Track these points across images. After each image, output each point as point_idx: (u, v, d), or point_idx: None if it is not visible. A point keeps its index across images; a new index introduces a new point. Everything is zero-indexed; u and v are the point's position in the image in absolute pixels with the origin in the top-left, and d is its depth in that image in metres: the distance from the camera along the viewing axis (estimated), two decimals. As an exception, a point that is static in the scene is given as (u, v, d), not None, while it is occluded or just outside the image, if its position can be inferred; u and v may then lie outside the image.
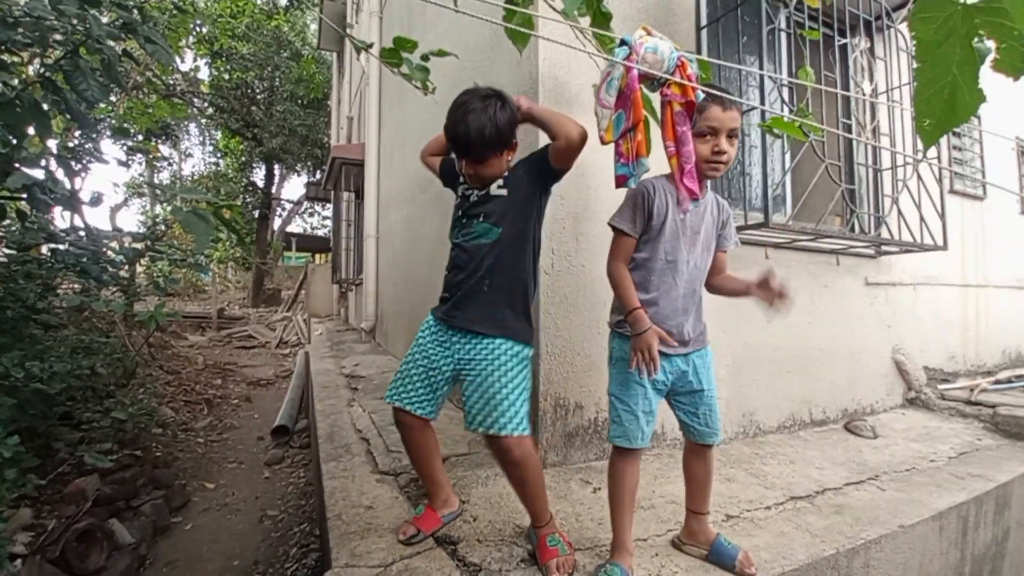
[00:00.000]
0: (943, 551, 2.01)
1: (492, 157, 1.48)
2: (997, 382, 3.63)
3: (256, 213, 18.16)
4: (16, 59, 2.18)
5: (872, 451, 2.63)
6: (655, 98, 1.51)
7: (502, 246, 1.53)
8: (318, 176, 16.25)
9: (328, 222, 20.27)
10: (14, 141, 1.98)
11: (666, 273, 1.49)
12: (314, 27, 15.61)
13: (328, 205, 15.08)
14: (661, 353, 1.43)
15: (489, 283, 1.53)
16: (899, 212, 3.06)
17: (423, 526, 1.62)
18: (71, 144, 2.70)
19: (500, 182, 1.55)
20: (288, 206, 21.60)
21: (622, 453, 1.51)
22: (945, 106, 0.62)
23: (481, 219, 1.54)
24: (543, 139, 2.17)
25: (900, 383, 3.47)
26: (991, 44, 0.64)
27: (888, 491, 2.14)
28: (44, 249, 2.79)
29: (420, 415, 1.58)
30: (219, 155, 19.20)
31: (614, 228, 1.53)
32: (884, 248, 3.24)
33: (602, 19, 1.64)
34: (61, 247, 2.37)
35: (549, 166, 1.55)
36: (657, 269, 1.49)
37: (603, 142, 1.50)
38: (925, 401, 3.43)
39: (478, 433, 1.51)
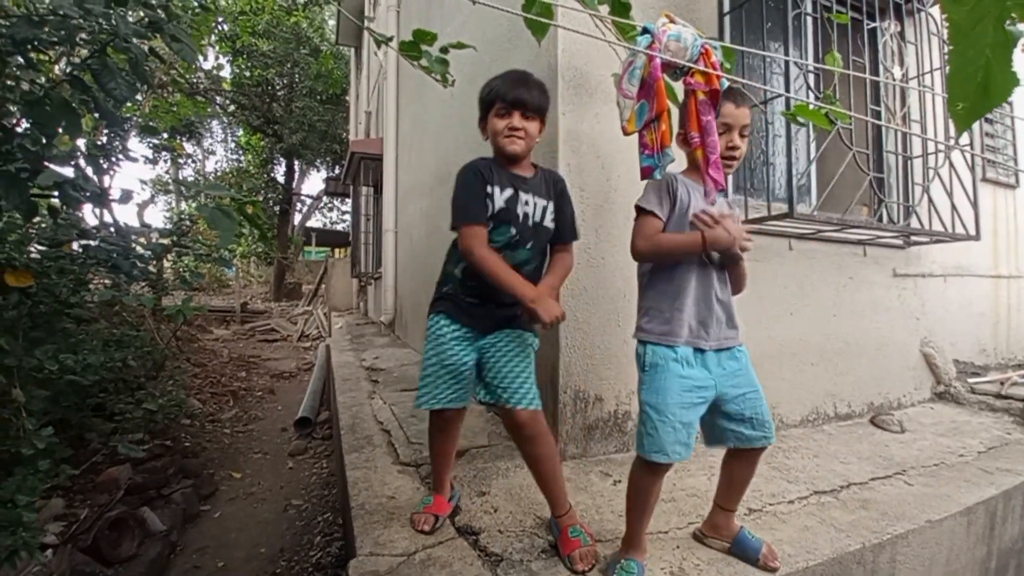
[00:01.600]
0: (970, 546, 1.97)
1: (538, 119, 1.57)
2: (1030, 375, 3.52)
3: (277, 209, 18.42)
4: (44, 58, 2.24)
5: (899, 445, 2.58)
6: (678, 87, 1.49)
7: (536, 269, 1.64)
8: (337, 171, 16.41)
9: (347, 217, 20.45)
10: (44, 140, 2.04)
11: (706, 266, 1.45)
12: (332, 23, 15.70)
13: (347, 200, 15.21)
14: (699, 349, 1.43)
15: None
16: (930, 201, 2.97)
17: (440, 511, 1.67)
18: (100, 143, 2.77)
19: (552, 214, 1.61)
20: (308, 201, 21.88)
21: (651, 467, 1.40)
22: (979, 89, 0.60)
23: (529, 246, 1.59)
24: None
25: (928, 376, 3.39)
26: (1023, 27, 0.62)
27: (915, 486, 2.09)
28: (75, 245, 2.87)
29: (460, 407, 1.62)
30: (241, 152, 19.50)
31: (641, 209, 1.47)
32: (914, 238, 3.15)
33: (621, 8, 1.61)
34: (92, 243, 2.43)
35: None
36: (695, 264, 1.44)
37: (625, 133, 1.49)
38: (954, 395, 3.35)
39: (495, 406, 1.57)
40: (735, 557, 1.51)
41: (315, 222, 22.56)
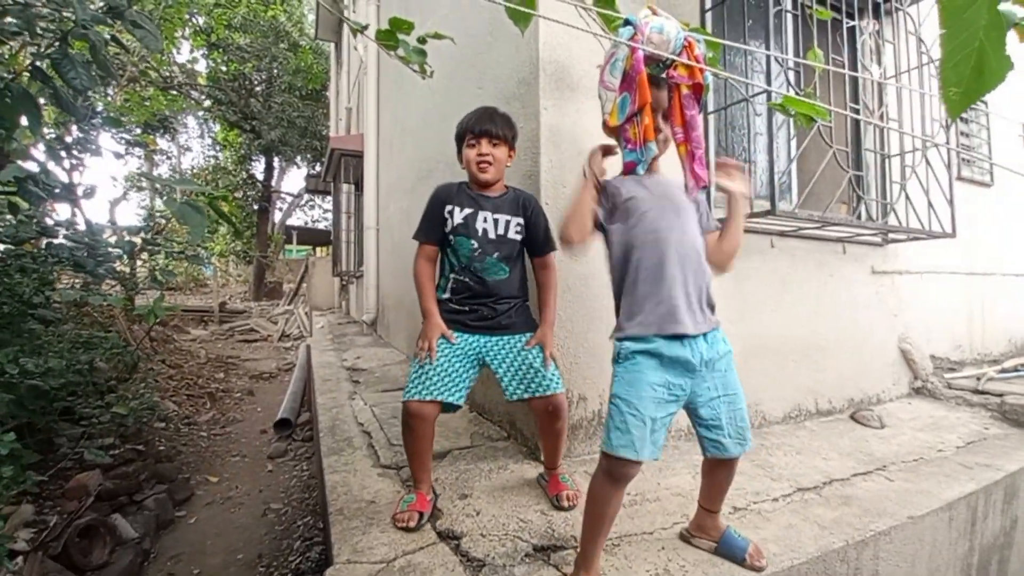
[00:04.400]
0: (952, 542, 1.99)
1: (505, 145, 1.76)
2: (1004, 371, 3.60)
3: (256, 206, 18.10)
4: (4, 49, 2.14)
5: (879, 441, 2.60)
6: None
7: (511, 281, 1.80)
8: (318, 168, 16.17)
9: (329, 214, 20.18)
10: (4, 133, 1.94)
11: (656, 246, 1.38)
12: (311, 17, 15.47)
13: (328, 197, 15.01)
14: (674, 336, 1.34)
15: (508, 303, 1.79)
16: (907, 198, 3.01)
17: (424, 508, 1.67)
18: (69, 139, 2.66)
19: (519, 226, 1.77)
20: (288, 199, 21.54)
21: (617, 467, 1.32)
22: (972, 73, 0.58)
23: (495, 256, 1.75)
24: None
25: (906, 372, 3.44)
26: (1016, 9, 0.60)
27: (896, 481, 2.11)
28: (44, 244, 2.77)
29: (455, 403, 1.67)
30: (218, 148, 19.10)
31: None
32: (891, 236, 3.18)
33: (606, -1, 1.59)
34: (55, 241, 2.34)
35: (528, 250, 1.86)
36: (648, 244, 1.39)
37: (607, 126, 1.46)
38: (932, 390, 3.40)
39: (539, 397, 1.72)
40: (721, 557, 1.50)
41: (296, 220, 22.25)
